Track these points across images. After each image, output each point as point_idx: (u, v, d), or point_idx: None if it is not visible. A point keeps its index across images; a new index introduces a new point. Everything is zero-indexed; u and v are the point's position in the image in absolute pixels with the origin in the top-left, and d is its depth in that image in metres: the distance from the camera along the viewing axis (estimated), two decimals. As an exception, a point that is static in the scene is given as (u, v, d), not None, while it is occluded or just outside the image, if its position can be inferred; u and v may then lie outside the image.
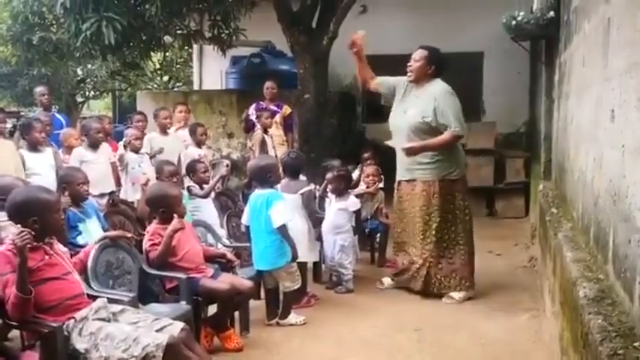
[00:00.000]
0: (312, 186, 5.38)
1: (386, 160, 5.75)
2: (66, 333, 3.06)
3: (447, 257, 5.29)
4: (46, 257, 3.21)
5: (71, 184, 4.61)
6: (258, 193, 4.74)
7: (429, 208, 5.26)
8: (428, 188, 5.26)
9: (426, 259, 5.28)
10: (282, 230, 4.59)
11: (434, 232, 5.25)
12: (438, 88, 5.23)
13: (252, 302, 4.63)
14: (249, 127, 8.09)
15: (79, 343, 3.05)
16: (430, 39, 5.77)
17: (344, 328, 4.65)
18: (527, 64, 9.99)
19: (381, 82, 5.61)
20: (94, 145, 5.96)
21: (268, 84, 8.13)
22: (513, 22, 6.11)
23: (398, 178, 5.55)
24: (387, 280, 5.70)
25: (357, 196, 5.89)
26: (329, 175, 5.75)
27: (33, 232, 3.03)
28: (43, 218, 3.19)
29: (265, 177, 4.75)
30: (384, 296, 5.47)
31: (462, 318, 4.83)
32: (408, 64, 5.35)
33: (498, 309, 4.99)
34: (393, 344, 4.33)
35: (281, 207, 4.62)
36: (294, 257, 4.68)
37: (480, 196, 9.01)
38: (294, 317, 4.78)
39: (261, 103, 8.09)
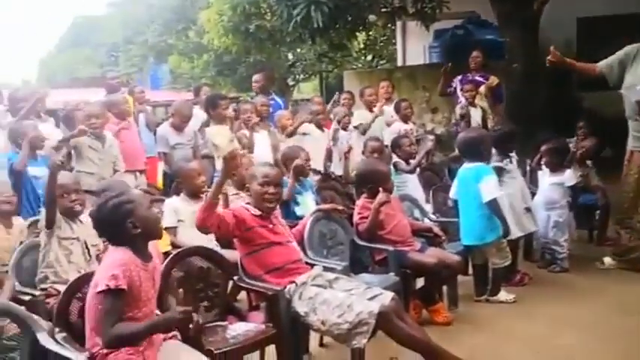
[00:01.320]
0: (503, 162, 5.13)
1: (606, 132, 5.31)
2: (288, 296, 3.31)
3: None
4: (271, 225, 3.51)
5: (293, 160, 4.98)
6: (467, 167, 4.67)
7: None
8: None
9: None
10: (493, 205, 4.47)
11: None
12: None
13: (460, 277, 4.59)
14: (448, 93, 7.98)
15: (299, 307, 3.28)
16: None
17: (558, 309, 4.42)
18: None
19: (601, 67, 5.26)
20: (319, 126, 6.39)
21: (474, 53, 7.91)
22: None
23: (630, 148, 5.11)
24: (609, 260, 5.28)
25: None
26: (543, 148, 5.46)
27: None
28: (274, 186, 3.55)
29: (475, 150, 4.66)
30: (604, 276, 5.09)
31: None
32: None
33: None
34: (614, 329, 4.02)
35: (491, 181, 4.50)
36: (506, 233, 4.55)
37: None
38: (504, 295, 4.65)
39: (468, 74, 7.89)
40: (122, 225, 2.67)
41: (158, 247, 3.06)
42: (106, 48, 22.32)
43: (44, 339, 2.61)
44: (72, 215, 3.62)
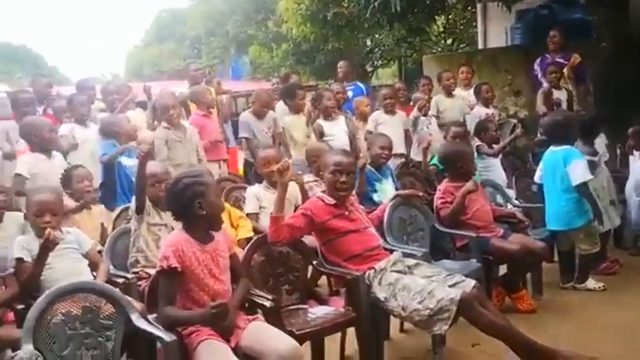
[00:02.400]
0: (599, 157, 4.91)
1: None
2: (367, 282, 3.32)
3: None
4: (347, 212, 3.51)
5: (372, 147, 5.01)
6: (554, 150, 4.53)
7: None
8: None
9: None
10: (583, 189, 4.33)
11: None
12: None
13: (544, 264, 4.47)
14: (534, 83, 7.71)
15: (379, 292, 3.29)
16: None
17: (651, 298, 4.23)
18: None
19: None
20: (389, 111, 6.36)
21: (552, 33, 7.54)
22: None
23: None
24: None
25: None
26: (630, 130, 5.21)
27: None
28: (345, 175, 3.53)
29: (562, 133, 4.51)
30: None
31: None
32: None
33: None
34: None
35: (581, 164, 4.36)
36: (599, 217, 4.38)
37: None
38: (592, 282, 4.50)
39: (547, 56, 7.58)
40: (190, 204, 2.81)
41: (227, 230, 3.17)
42: (189, 41, 22.96)
43: (137, 319, 2.76)
44: (160, 203, 3.78)
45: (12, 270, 3.30)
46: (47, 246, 3.18)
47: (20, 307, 3.14)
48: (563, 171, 4.39)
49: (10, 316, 3.28)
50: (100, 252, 3.73)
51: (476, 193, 4.31)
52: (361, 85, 8.45)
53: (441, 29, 17.42)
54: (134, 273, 3.66)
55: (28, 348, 2.45)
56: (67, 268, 3.30)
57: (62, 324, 2.64)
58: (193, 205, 2.81)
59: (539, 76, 7.45)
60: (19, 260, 3.27)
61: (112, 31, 75.88)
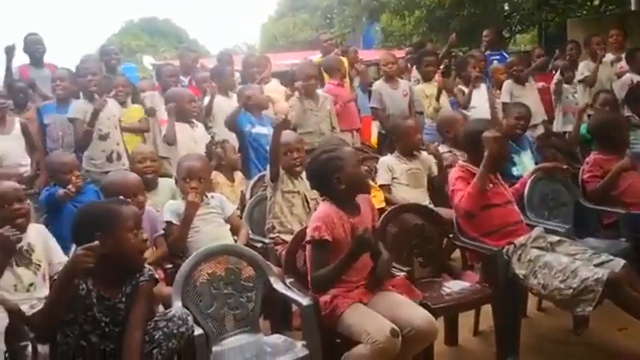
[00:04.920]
0: None
1: None
2: (506, 257, 3.20)
3: None
4: (491, 185, 3.39)
5: (508, 117, 4.82)
6: None
7: None
8: None
9: None
10: None
11: None
12: None
13: None
14: None
15: (519, 269, 3.16)
16: None
17: None
18: None
19: None
20: (520, 80, 6.08)
21: None
22: None
23: None
24: None
25: None
26: None
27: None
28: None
29: None
30: None
31: None
32: None
33: None
34: None
35: None
36: None
37: None
38: None
39: None
40: (329, 180, 2.83)
41: (372, 202, 3.15)
42: (322, 10, 23.12)
43: (275, 282, 2.87)
44: (293, 172, 3.87)
45: (162, 232, 3.55)
46: (190, 209, 3.40)
47: (169, 266, 3.38)
48: None
49: (160, 274, 3.52)
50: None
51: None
52: (506, 54, 8.10)
53: (590, -10, 16.25)
54: (271, 239, 3.78)
55: (178, 305, 2.62)
56: (211, 231, 3.50)
57: (207, 284, 2.80)
58: (332, 181, 2.82)
59: None
60: (169, 223, 3.51)
61: (247, 3, 78.04)
